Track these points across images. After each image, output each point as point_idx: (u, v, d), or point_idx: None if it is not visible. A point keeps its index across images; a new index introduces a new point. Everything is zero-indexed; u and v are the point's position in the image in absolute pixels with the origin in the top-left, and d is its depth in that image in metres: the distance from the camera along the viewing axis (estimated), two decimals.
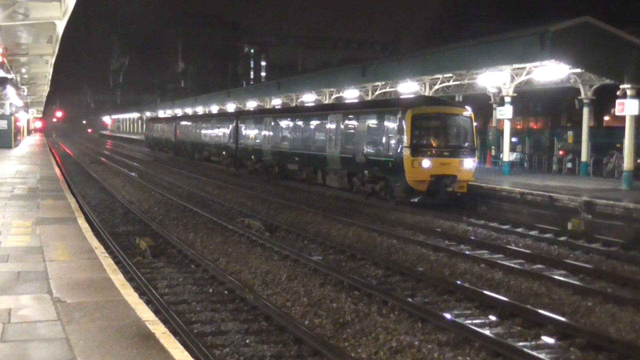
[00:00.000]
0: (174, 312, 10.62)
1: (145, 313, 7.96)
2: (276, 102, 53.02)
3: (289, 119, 35.35)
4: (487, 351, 9.26)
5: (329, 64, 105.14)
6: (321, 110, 33.08)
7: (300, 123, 33.57)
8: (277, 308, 11.12)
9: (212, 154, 50.10)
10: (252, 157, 40.11)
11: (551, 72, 27.09)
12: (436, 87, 33.43)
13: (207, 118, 54.55)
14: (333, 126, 29.35)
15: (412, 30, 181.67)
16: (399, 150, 24.00)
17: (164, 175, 39.12)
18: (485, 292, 12.47)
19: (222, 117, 49.83)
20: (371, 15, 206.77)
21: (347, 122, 28.35)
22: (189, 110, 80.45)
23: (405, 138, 23.74)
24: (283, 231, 19.47)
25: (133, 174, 39.28)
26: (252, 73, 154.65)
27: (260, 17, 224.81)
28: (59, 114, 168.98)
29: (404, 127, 23.80)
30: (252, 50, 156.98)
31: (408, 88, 34.44)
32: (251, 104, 58.69)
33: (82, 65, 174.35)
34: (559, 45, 24.12)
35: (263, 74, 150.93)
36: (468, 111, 25.28)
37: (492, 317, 11.06)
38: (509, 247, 17.19)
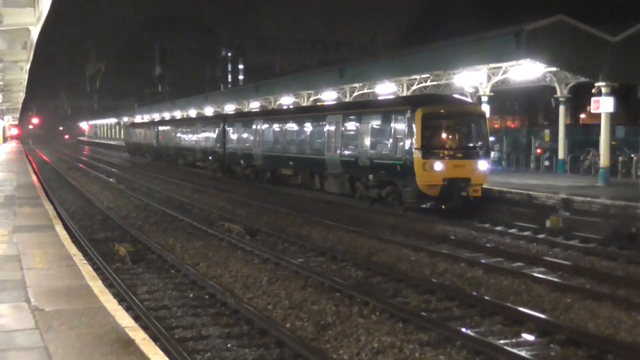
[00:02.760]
0: (155, 318, 10.57)
1: (124, 319, 7.92)
2: (254, 105, 52.94)
3: (282, 121, 33.53)
4: (468, 349, 9.29)
5: (307, 66, 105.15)
6: (319, 112, 31.37)
7: (295, 125, 31.83)
8: (259, 311, 11.10)
9: (197, 159, 48.59)
10: (242, 162, 38.55)
11: (527, 71, 27.26)
12: (413, 87, 33.53)
13: (192, 122, 53.00)
14: (332, 128, 27.60)
15: (390, 31, 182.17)
16: (408, 153, 22.20)
17: (143, 180, 38.92)
18: (465, 290, 12.57)
19: (208, 121, 48.16)
20: (348, 16, 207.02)
21: (348, 123, 26.67)
22: (166, 115, 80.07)
23: (415, 139, 21.96)
24: (263, 234, 19.43)
25: (111, 179, 39.04)
26: (229, 76, 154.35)
27: (237, 21, 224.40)
28: (35, 120, 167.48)
29: (414, 127, 22.05)
30: (229, 54, 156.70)
31: (386, 89, 34.52)
32: (229, 108, 58.55)
33: (58, 71, 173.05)
34: (534, 44, 24.28)
35: (241, 77, 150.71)
36: (481, 109, 23.95)
37: (473, 316, 11.10)
38: (488, 245, 17.29)
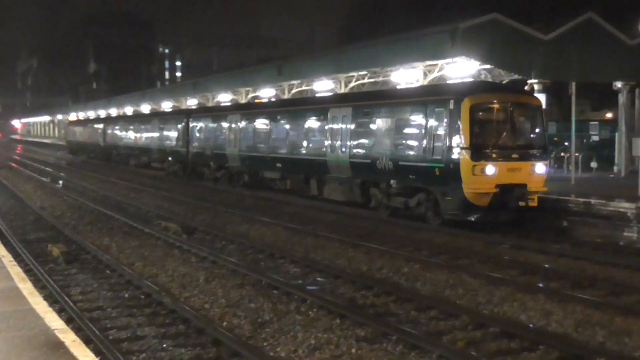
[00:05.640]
0: (88, 319, 10.35)
1: (54, 321, 7.75)
2: (192, 102, 52.48)
3: (267, 115, 29.31)
4: (404, 344, 9.37)
5: (245, 63, 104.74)
6: (319, 104, 27.18)
7: (285, 120, 27.81)
8: (195, 310, 10.99)
9: (153, 159, 44.52)
10: (212, 163, 34.41)
11: (462, 68, 27.64)
12: (351, 84, 33.69)
13: (147, 118, 48.47)
14: (338, 123, 23.49)
15: (328, 28, 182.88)
16: (451, 153, 18.37)
17: (78, 179, 38.16)
18: (402, 286, 12.71)
19: (167, 117, 43.93)
20: (286, 13, 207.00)
21: (361, 117, 22.68)
22: (102, 112, 78.64)
23: (462, 136, 18.13)
24: (201, 233, 19.26)
25: (45, 179, 38.14)
26: (167, 73, 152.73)
27: (174, 17, 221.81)
28: None
29: (460, 121, 18.17)
30: (166, 50, 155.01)
31: (324, 86, 34.63)
32: (166, 105, 57.86)
33: None
34: (469, 42, 24.65)
35: (179, 74, 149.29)
36: (538, 99, 20.48)
37: (410, 311, 11.20)
38: (424, 240, 17.49)
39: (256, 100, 41.05)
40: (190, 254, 16.15)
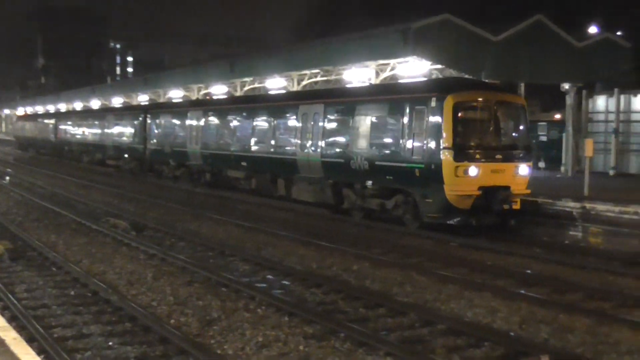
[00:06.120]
0: (32, 317, 10.17)
1: None
2: (143, 98, 51.94)
3: (232, 112, 28.35)
4: (352, 341, 9.41)
5: (198, 60, 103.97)
6: (289, 100, 26.32)
7: (252, 117, 26.56)
8: (142, 308, 10.87)
9: (108, 156, 43.04)
10: (171, 161, 33.33)
11: (414, 67, 27.91)
12: (304, 82, 33.73)
13: (102, 114, 46.80)
14: (309, 121, 22.43)
15: (282, 26, 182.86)
16: (433, 153, 17.66)
17: (26, 175, 37.45)
18: (351, 284, 12.77)
19: (124, 113, 42.76)
20: (240, 10, 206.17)
21: (335, 115, 21.85)
22: (51, 108, 77.32)
23: (445, 136, 17.42)
24: (151, 230, 19.05)
25: None
26: (118, 69, 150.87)
27: (126, 12, 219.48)
28: None
29: (442, 120, 17.47)
30: (118, 46, 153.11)
31: (276, 84, 34.62)
32: (117, 101, 57.16)
33: None
34: (421, 42, 24.94)
35: (130, 69, 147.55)
36: (521, 98, 19.96)
37: (358, 308, 11.25)
38: (374, 239, 17.59)
39: (208, 97, 40.74)
40: (139, 251, 15.97)
